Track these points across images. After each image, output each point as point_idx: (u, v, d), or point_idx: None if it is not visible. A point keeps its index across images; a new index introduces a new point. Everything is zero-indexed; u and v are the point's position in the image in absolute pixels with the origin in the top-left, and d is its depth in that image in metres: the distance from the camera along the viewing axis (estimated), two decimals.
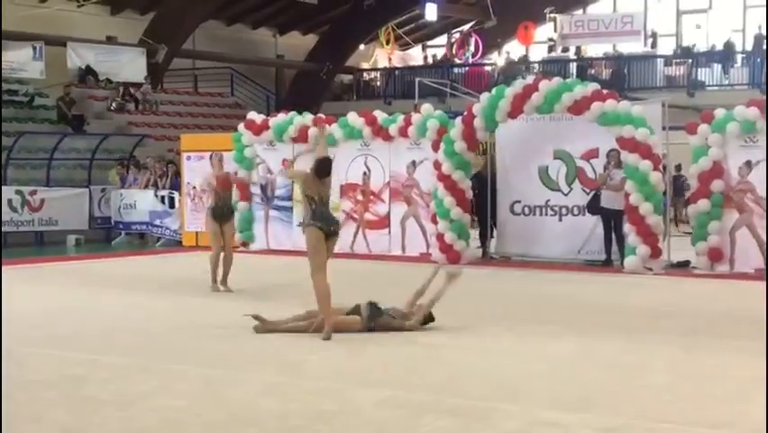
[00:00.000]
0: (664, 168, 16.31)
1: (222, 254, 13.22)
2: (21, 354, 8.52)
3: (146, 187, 22.01)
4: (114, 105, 27.63)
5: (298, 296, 11.02)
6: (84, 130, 25.71)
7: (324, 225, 9.52)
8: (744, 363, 8.29)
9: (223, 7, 31.89)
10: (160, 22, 29.98)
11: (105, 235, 22.72)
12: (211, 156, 14.21)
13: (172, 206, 21.12)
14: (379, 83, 37.61)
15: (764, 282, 13.77)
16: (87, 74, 28.26)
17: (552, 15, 34.00)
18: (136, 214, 21.91)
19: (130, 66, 29.15)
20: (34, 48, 26.10)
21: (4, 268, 14.12)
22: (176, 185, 21.15)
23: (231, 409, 6.80)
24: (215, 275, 13.18)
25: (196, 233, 20.13)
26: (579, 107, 15.78)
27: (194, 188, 20.23)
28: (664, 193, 15.88)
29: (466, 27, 38.97)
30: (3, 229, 20.45)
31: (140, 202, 21.83)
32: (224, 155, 14.81)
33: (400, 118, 17.95)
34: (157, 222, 21.41)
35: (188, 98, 31.47)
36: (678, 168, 23.13)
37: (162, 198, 21.45)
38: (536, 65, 34.87)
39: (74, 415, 6.65)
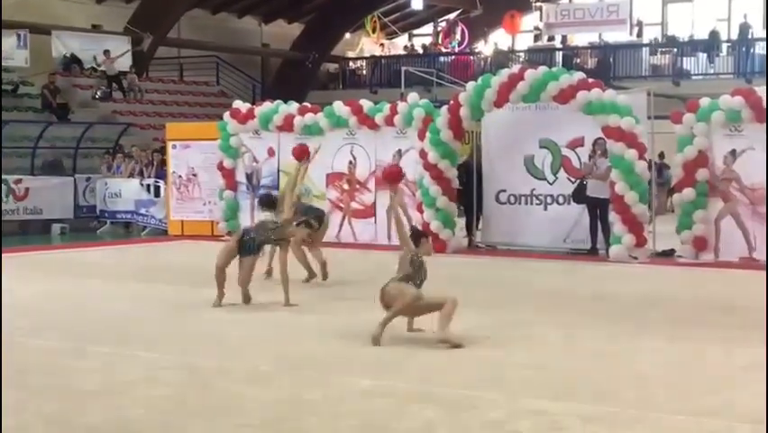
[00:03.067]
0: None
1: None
2: (5, 344, 8.47)
3: (130, 176, 21.94)
4: (98, 93, 27.49)
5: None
6: (68, 119, 25.58)
7: None
8: (728, 352, 8.33)
9: None
10: (145, 10, 29.86)
11: (90, 224, 22.62)
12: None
13: (158, 194, 21.05)
14: (364, 72, 37.56)
15: (749, 271, 13.88)
16: (72, 62, 28.12)
17: (538, 4, 34.02)
18: (121, 203, 21.80)
19: (115, 54, 29.05)
20: (18, 36, 25.95)
21: None
22: (161, 174, 21.08)
23: (217, 398, 6.80)
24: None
25: (182, 222, 20.09)
26: (564, 96, 15.78)
27: (179, 176, 20.18)
28: (649, 182, 15.94)
29: (452, 16, 38.97)
30: None
31: (125, 191, 21.73)
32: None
33: (386, 107, 17.91)
34: (142, 211, 21.33)
35: (174, 87, 31.32)
36: (661, 156, 23.15)
37: (148, 186, 21.37)
38: (522, 54, 34.89)
39: (59, 405, 6.64)
